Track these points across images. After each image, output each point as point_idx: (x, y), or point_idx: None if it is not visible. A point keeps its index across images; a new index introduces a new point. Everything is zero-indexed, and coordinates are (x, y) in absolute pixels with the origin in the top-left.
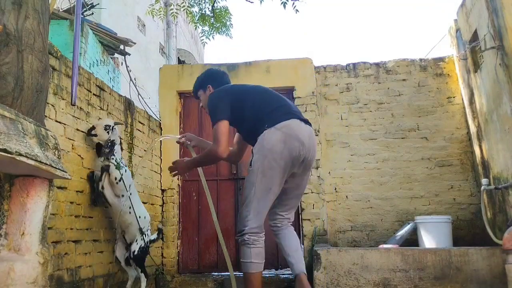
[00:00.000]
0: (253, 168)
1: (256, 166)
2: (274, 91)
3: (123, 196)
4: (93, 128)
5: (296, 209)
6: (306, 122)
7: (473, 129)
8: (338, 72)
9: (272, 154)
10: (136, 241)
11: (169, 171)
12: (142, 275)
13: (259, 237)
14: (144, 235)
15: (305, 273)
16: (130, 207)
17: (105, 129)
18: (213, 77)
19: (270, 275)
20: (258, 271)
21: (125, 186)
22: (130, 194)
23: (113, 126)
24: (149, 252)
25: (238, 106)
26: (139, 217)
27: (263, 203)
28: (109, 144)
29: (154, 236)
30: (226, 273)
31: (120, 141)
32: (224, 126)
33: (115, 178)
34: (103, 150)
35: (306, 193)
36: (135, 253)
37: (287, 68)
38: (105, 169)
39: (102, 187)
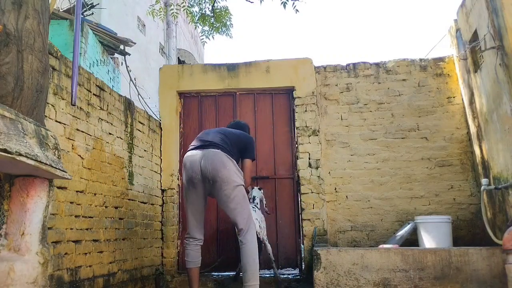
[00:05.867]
0: None
1: None
2: (213, 130)
3: None
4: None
5: (235, 222)
6: (207, 147)
7: (473, 129)
8: (338, 72)
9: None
10: None
11: None
12: None
13: (188, 245)
14: None
15: None
16: None
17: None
18: None
19: (270, 275)
20: (188, 267)
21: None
22: None
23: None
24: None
25: None
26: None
27: (187, 219)
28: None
29: None
30: (226, 273)
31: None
32: None
33: None
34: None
35: (306, 193)
36: None
37: (287, 68)
38: None
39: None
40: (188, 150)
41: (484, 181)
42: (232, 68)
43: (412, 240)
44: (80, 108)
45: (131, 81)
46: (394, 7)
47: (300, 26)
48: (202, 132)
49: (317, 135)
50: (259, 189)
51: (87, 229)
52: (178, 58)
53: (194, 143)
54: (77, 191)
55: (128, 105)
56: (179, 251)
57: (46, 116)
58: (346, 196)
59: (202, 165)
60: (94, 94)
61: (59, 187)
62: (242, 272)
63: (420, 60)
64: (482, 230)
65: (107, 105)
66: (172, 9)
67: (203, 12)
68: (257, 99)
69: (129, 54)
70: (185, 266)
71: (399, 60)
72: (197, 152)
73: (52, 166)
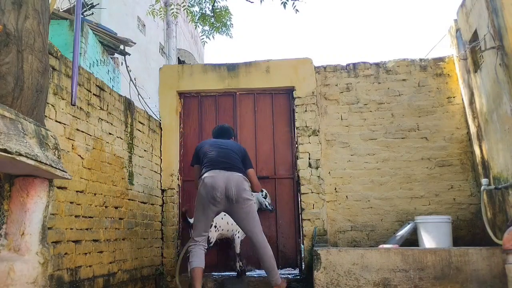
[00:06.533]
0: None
1: (195, 203)
2: (221, 145)
3: None
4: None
5: (251, 232)
6: (228, 169)
7: (473, 129)
8: (338, 72)
9: (198, 197)
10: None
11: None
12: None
13: (195, 247)
14: None
15: (277, 284)
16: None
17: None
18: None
19: None
20: (192, 267)
21: None
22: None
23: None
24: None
25: (200, 156)
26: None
27: (195, 226)
28: None
29: None
30: (227, 273)
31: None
32: (194, 170)
33: None
34: None
35: (306, 193)
36: None
37: (287, 68)
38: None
39: None
40: (208, 170)
41: (484, 181)
42: (232, 68)
43: (412, 240)
44: (80, 108)
45: (131, 81)
46: (394, 7)
47: (300, 26)
48: (214, 150)
49: (317, 135)
50: (261, 191)
51: (87, 229)
52: (178, 58)
53: (211, 162)
54: (77, 191)
55: (128, 105)
56: (179, 251)
57: (46, 116)
58: (346, 196)
59: (227, 187)
60: (94, 94)
61: (59, 187)
62: (266, 271)
63: (420, 60)
64: (482, 230)
65: (107, 105)
66: (172, 9)
67: (203, 12)
68: (257, 99)
69: (129, 54)
70: (188, 267)
71: (399, 60)
72: (220, 173)
73: (52, 166)
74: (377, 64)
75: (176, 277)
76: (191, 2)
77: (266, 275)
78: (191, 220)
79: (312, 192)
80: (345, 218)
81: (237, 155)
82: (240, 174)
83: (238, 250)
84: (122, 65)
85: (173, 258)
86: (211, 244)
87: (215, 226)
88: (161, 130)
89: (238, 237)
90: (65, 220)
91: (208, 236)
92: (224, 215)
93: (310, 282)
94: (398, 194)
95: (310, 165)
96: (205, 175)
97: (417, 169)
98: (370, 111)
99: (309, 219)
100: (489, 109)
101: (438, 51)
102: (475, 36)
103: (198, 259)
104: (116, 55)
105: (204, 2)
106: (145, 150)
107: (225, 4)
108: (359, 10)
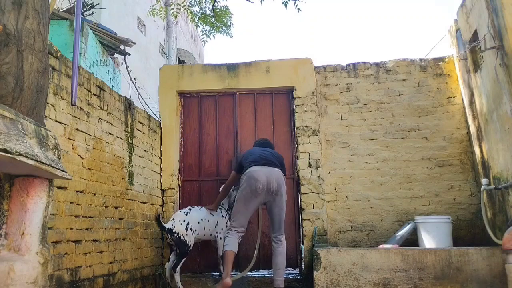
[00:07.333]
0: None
1: (236, 197)
2: (262, 149)
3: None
4: None
5: (279, 228)
6: (269, 165)
7: (473, 129)
8: (338, 72)
9: (240, 190)
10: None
11: None
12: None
13: (231, 233)
14: None
15: (280, 287)
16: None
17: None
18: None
19: (270, 275)
20: (226, 249)
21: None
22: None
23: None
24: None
25: (243, 162)
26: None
27: (235, 217)
28: None
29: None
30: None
31: None
32: (232, 175)
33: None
34: None
35: (306, 193)
36: None
37: (287, 68)
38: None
39: None
40: (251, 165)
41: (484, 181)
42: (232, 68)
43: (412, 240)
44: (80, 108)
45: (131, 81)
46: (394, 7)
47: (300, 26)
48: (258, 152)
49: (317, 135)
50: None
51: (87, 229)
52: (178, 58)
53: (255, 159)
54: (77, 191)
55: (128, 105)
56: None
57: (46, 116)
58: (346, 196)
59: (269, 180)
60: (94, 94)
61: (59, 187)
62: (276, 269)
63: (420, 60)
64: (482, 230)
65: (107, 105)
66: (173, 9)
67: (204, 11)
68: (257, 99)
69: (129, 54)
70: (224, 250)
71: (399, 60)
72: (262, 168)
73: (52, 166)
74: (377, 64)
75: None
76: (191, 2)
77: (272, 273)
78: (166, 225)
79: (312, 192)
80: (345, 218)
81: (277, 160)
82: (280, 170)
83: (221, 252)
84: (122, 65)
85: None
86: (190, 248)
87: (191, 229)
88: (161, 130)
89: (221, 238)
90: (65, 220)
91: (185, 240)
92: (201, 219)
93: (310, 282)
94: (398, 194)
95: (310, 165)
96: (248, 169)
97: (417, 169)
98: (370, 111)
99: (309, 219)
100: (489, 109)
101: (438, 51)
102: (475, 36)
103: (232, 244)
104: (116, 55)
105: (204, 2)
106: (145, 150)
107: (225, 4)
108: (359, 10)
